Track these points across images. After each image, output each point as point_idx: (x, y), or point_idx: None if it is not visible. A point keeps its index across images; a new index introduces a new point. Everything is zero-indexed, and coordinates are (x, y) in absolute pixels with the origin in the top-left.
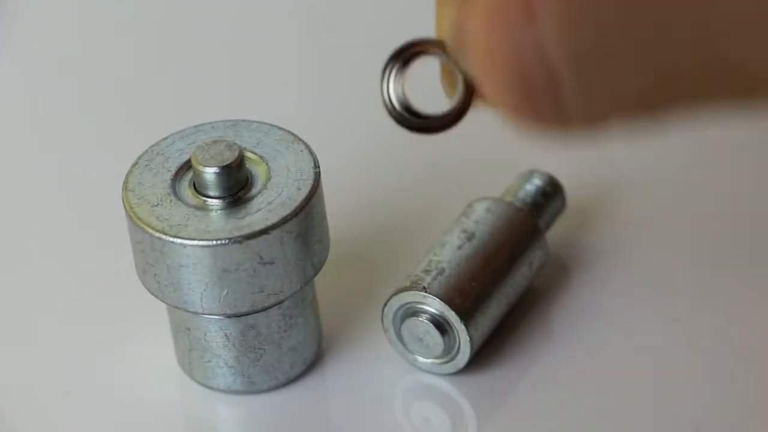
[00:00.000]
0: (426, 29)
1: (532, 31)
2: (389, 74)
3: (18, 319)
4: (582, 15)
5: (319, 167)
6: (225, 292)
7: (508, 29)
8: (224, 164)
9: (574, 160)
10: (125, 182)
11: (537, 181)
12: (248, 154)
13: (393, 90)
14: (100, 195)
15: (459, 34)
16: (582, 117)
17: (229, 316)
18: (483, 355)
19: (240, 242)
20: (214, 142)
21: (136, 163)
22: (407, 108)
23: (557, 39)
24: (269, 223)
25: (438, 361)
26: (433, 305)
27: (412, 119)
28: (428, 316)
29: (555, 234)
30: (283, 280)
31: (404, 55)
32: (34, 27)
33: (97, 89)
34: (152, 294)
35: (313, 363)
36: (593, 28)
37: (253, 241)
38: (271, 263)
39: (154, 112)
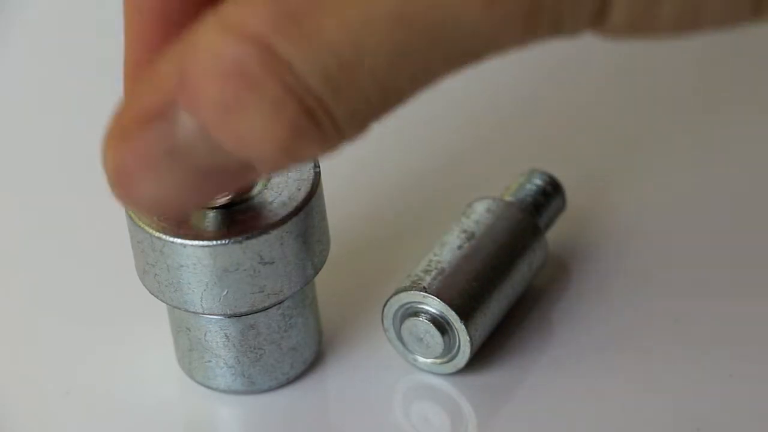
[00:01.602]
0: None
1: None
2: None
3: (18, 318)
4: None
5: (319, 167)
6: (225, 292)
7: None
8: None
9: (574, 160)
10: None
11: (537, 181)
12: None
13: None
14: (101, 195)
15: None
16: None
17: (229, 316)
18: (483, 355)
19: (240, 242)
20: None
21: None
22: None
23: (313, 72)
24: (269, 223)
25: (438, 361)
26: (433, 305)
27: None
28: (428, 316)
29: (555, 234)
30: (283, 280)
31: None
32: (34, 27)
33: (98, 89)
34: (152, 294)
35: (313, 363)
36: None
37: (253, 241)
38: (271, 263)
39: None
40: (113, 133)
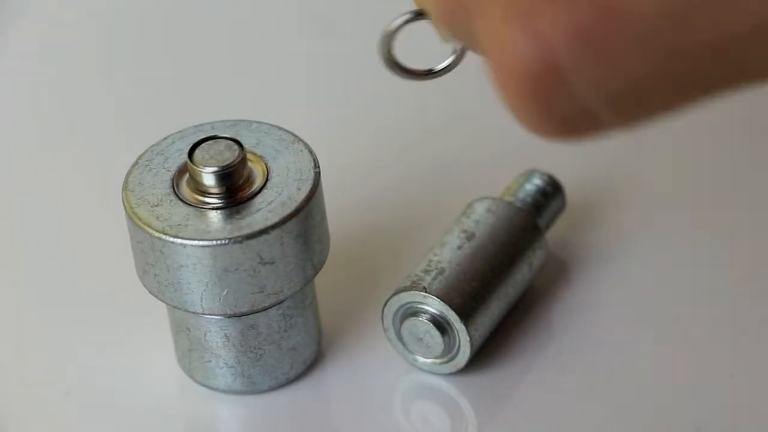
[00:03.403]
0: (425, 28)
1: (565, 90)
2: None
3: (18, 319)
4: (614, 71)
5: (319, 167)
6: (225, 292)
7: (538, 93)
8: (224, 164)
9: (574, 160)
10: (125, 182)
11: (537, 181)
12: (248, 154)
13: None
14: (100, 195)
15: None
16: (613, 125)
17: (229, 316)
18: (483, 355)
19: (240, 242)
20: (214, 141)
21: (136, 164)
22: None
23: (592, 94)
24: (269, 223)
25: (438, 361)
26: (433, 305)
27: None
28: (428, 316)
29: (555, 234)
30: (283, 280)
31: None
32: (34, 27)
33: (97, 89)
34: (152, 294)
35: (313, 363)
36: (624, 80)
37: (253, 241)
38: (271, 263)
39: (154, 112)
40: None
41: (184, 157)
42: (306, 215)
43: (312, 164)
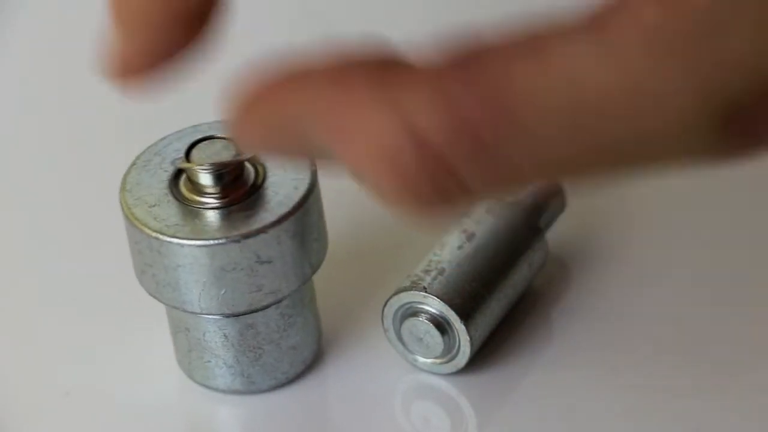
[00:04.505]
0: (424, 29)
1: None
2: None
3: (18, 319)
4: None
5: (316, 166)
6: (223, 291)
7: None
8: (221, 164)
9: None
10: (123, 183)
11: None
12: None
13: None
14: (98, 196)
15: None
16: (484, 190)
17: (227, 316)
18: (483, 355)
19: (237, 241)
20: (211, 141)
21: (133, 164)
22: None
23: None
24: (266, 222)
25: (438, 361)
26: (433, 305)
27: None
28: (428, 316)
29: (555, 234)
30: (281, 279)
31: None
32: (34, 27)
33: (95, 89)
34: (150, 294)
35: (313, 363)
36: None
37: (250, 241)
38: (269, 262)
39: (152, 112)
40: (249, 102)
41: (182, 157)
42: (303, 214)
43: (309, 163)
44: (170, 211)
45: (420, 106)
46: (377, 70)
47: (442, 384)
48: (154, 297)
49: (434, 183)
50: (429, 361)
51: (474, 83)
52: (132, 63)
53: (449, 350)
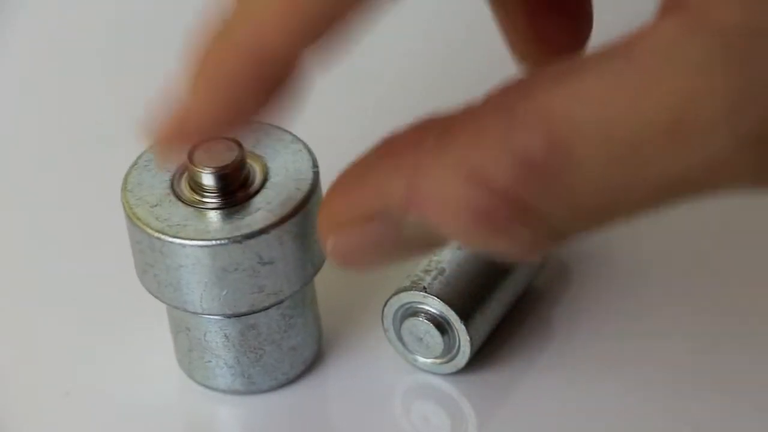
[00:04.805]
0: (425, 28)
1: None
2: None
3: (18, 319)
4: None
5: (318, 167)
6: (224, 292)
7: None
8: (223, 165)
9: None
10: (124, 182)
11: None
12: (247, 154)
13: None
14: (99, 195)
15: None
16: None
17: (228, 316)
18: (483, 355)
19: (239, 242)
20: (213, 142)
21: (135, 164)
22: None
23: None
24: (268, 222)
25: (438, 361)
26: (433, 305)
27: None
28: (428, 316)
29: None
30: (283, 280)
31: None
32: (34, 27)
33: (97, 89)
34: (152, 294)
35: (313, 363)
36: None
37: (252, 241)
38: (271, 263)
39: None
40: (329, 222)
41: (183, 157)
42: (305, 215)
43: (311, 164)
44: (172, 211)
45: (479, 156)
46: (421, 139)
47: (442, 384)
48: (156, 297)
49: (520, 221)
50: (429, 361)
51: (522, 121)
52: (199, 123)
53: (449, 350)
